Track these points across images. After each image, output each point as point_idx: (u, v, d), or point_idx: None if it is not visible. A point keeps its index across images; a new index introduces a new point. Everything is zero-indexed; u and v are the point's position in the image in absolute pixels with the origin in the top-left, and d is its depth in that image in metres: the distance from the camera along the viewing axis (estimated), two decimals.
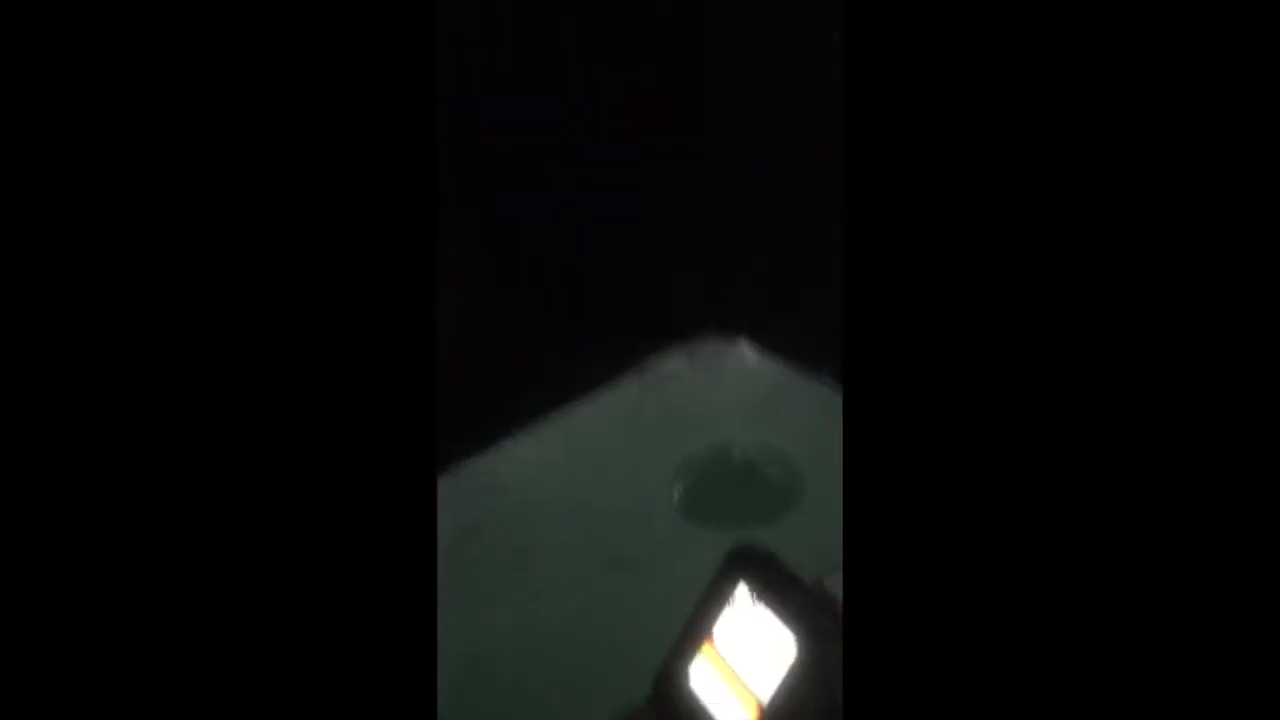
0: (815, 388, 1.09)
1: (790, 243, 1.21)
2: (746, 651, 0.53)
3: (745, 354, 1.19)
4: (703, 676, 0.54)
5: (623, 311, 1.23)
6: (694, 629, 0.56)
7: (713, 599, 0.56)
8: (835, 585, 0.66)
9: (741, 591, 0.55)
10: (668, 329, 1.22)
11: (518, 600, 0.87)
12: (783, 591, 0.53)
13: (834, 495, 0.97)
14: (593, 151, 1.27)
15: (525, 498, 1.00)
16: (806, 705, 0.50)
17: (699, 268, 1.23)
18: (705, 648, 0.55)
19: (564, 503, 1.00)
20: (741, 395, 1.12)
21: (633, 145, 1.27)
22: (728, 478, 1.03)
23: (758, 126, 1.24)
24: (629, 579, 0.89)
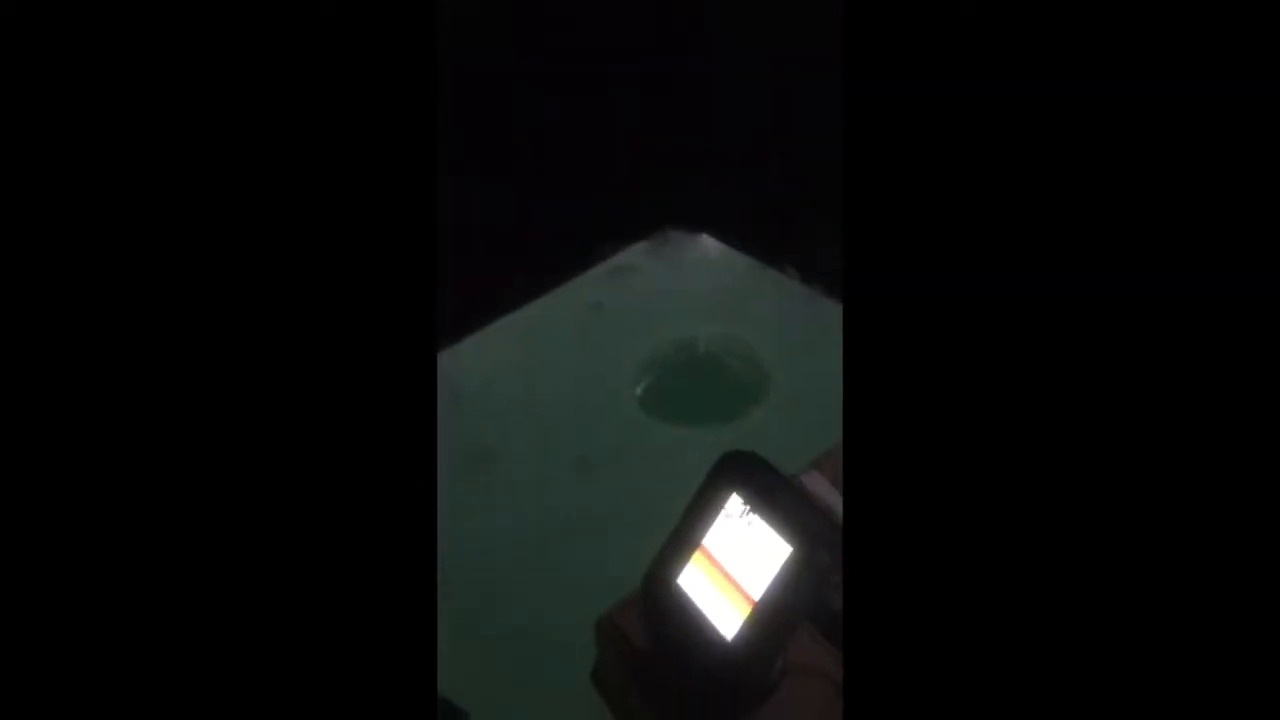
0: (780, 281, 1.08)
1: (756, 143, 1.17)
2: (739, 557, 0.53)
3: (709, 247, 1.16)
4: (694, 581, 0.55)
5: (584, 207, 1.19)
6: (684, 536, 0.56)
7: (703, 506, 0.56)
8: (814, 483, 0.67)
9: (733, 501, 0.54)
10: (631, 224, 1.18)
11: (484, 504, 0.86)
12: (774, 496, 0.53)
13: (798, 389, 0.98)
14: (555, 48, 1.19)
15: (486, 398, 0.98)
16: (796, 601, 0.51)
17: (663, 164, 1.18)
18: (696, 555, 0.55)
19: (526, 402, 0.99)
20: (705, 289, 1.11)
21: (599, 38, 1.20)
22: (692, 372, 1.03)
23: (733, 29, 1.18)
24: (596, 477, 0.89)
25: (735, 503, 0.54)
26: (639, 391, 1.00)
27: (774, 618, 0.51)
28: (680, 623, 0.54)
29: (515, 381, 1.02)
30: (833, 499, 0.65)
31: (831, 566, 0.50)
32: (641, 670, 0.58)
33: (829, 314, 1.01)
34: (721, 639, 0.52)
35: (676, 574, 0.56)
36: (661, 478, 0.88)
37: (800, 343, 1.00)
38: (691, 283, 1.12)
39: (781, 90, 1.18)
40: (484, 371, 1.02)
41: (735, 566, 0.53)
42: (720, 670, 0.52)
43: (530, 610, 0.75)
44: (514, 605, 0.76)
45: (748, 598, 0.52)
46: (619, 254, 1.15)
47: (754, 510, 0.53)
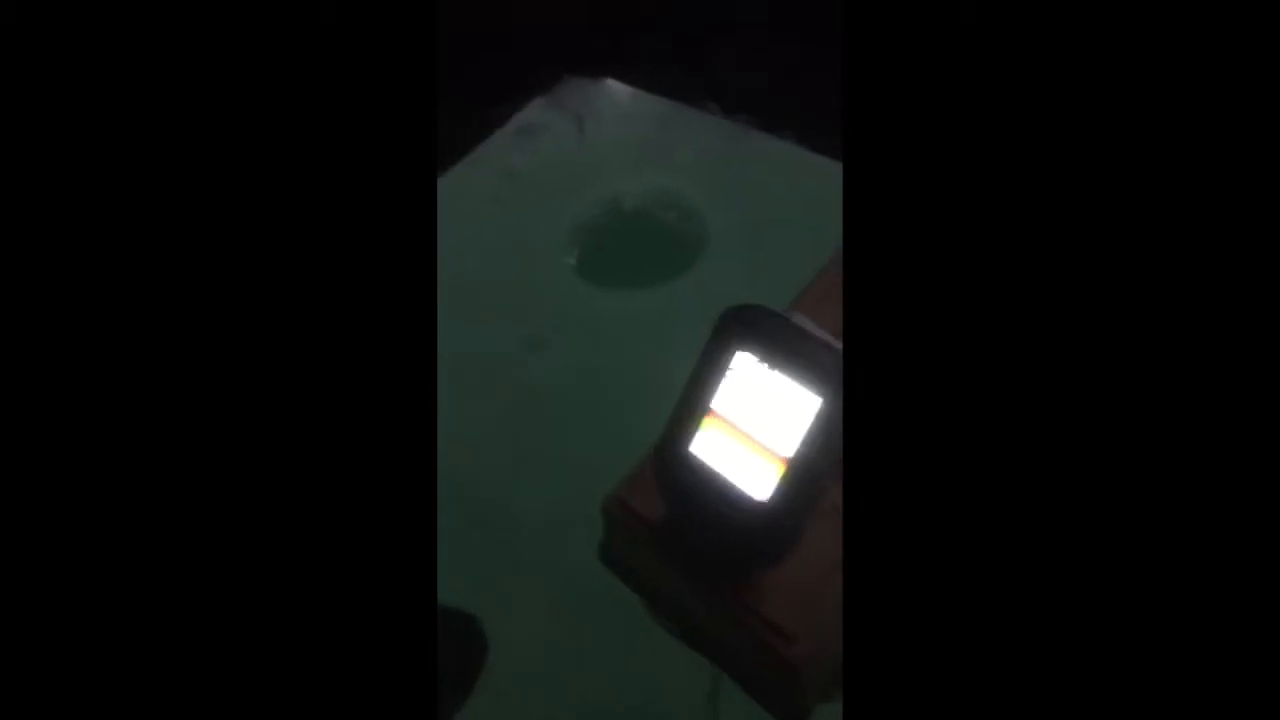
0: (701, 120, 1.01)
1: None
2: (759, 415, 0.50)
3: (616, 92, 1.07)
4: (711, 446, 0.51)
5: (465, 66, 1.07)
6: (691, 403, 0.52)
7: (708, 369, 0.52)
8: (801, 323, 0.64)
9: (742, 358, 0.50)
10: (526, 79, 1.07)
11: (441, 401, 0.79)
12: (791, 347, 0.49)
13: (744, 233, 0.94)
14: None
15: None
16: (829, 454, 0.48)
17: (538, 7, 1.06)
18: (708, 420, 0.52)
19: (456, 285, 0.91)
20: (620, 139, 1.02)
21: None
22: (624, 233, 0.96)
23: None
24: (549, 354, 0.83)
25: (746, 360, 0.50)
26: (573, 261, 0.94)
27: (809, 473, 0.48)
28: (705, 492, 0.51)
29: (440, 267, 0.93)
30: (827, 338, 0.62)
31: None
32: (660, 544, 0.56)
33: (762, 148, 0.96)
34: (755, 502, 0.49)
35: (688, 442, 0.52)
36: (618, 345, 0.84)
37: (735, 183, 0.95)
38: (604, 135, 1.04)
39: None
40: None
41: (757, 425, 0.50)
42: (760, 533, 0.49)
43: (518, 500, 0.71)
44: (498, 496, 0.72)
45: (778, 456, 0.49)
46: (519, 113, 1.05)
47: (772, 365, 0.49)
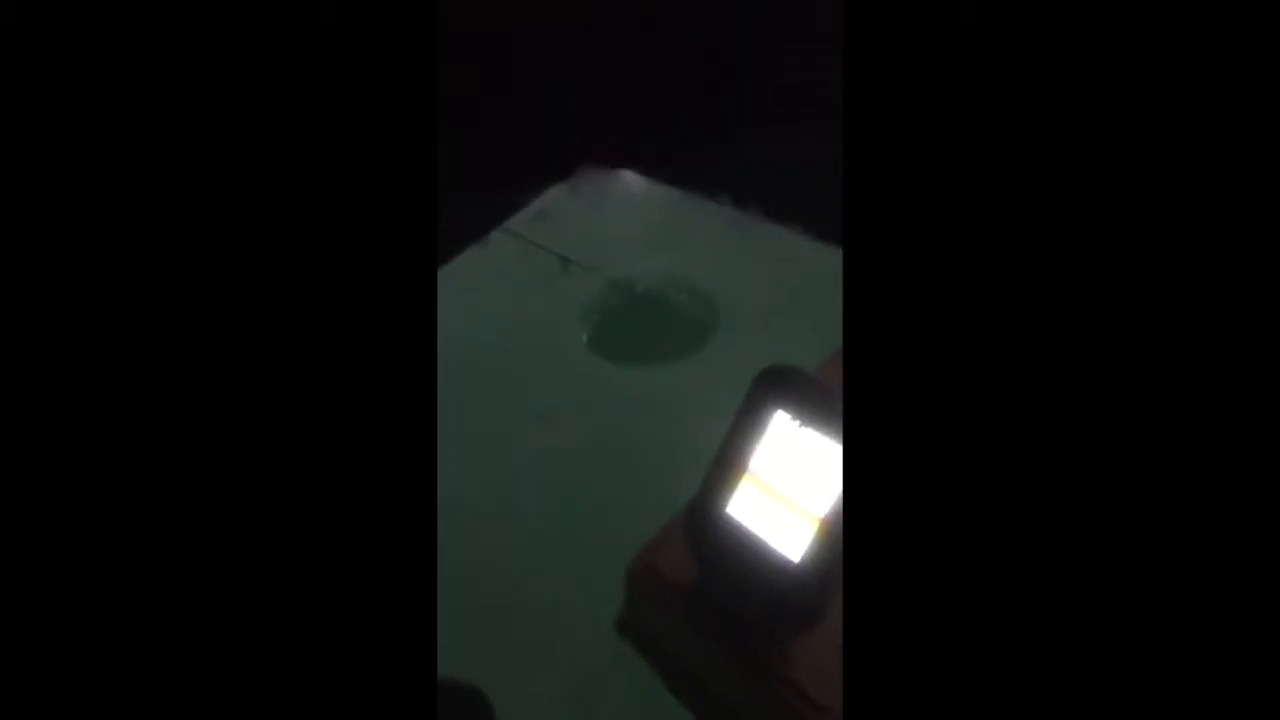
0: (714, 209, 1.04)
1: (662, 72, 1.12)
2: (793, 474, 0.50)
3: (631, 182, 1.11)
4: (747, 506, 0.51)
5: (488, 152, 1.10)
6: (728, 463, 0.52)
7: (746, 430, 0.52)
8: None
9: (779, 419, 0.51)
10: (541, 168, 1.11)
11: (448, 468, 0.79)
12: (824, 405, 0.50)
13: (753, 315, 0.96)
14: None
15: None
16: None
17: (566, 100, 1.11)
18: (746, 480, 0.52)
19: (470, 360, 0.91)
20: (634, 226, 1.05)
21: None
22: (636, 312, 0.98)
23: None
24: (564, 428, 0.83)
25: (782, 420, 0.51)
26: (585, 338, 0.95)
27: (841, 534, 0.48)
28: (738, 552, 0.51)
29: (456, 341, 0.93)
30: None
31: None
32: (688, 608, 0.54)
33: (769, 238, 0.99)
34: (788, 561, 0.49)
35: (725, 503, 0.52)
36: (629, 419, 0.84)
37: (743, 269, 0.97)
38: (619, 222, 1.07)
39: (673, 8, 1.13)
40: None
41: (791, 485, 0.50)
42: (791, 593, 0.49)
43: (534, 571, 0.70)
44: (513, 568, 0.70)
45: (811, 515, 0.49)
46: (539, 198, 1.08)
47: (806, 424, 0.50)
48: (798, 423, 0.50)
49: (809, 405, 0.50)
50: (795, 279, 0.94)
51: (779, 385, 0.51)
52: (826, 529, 0.48)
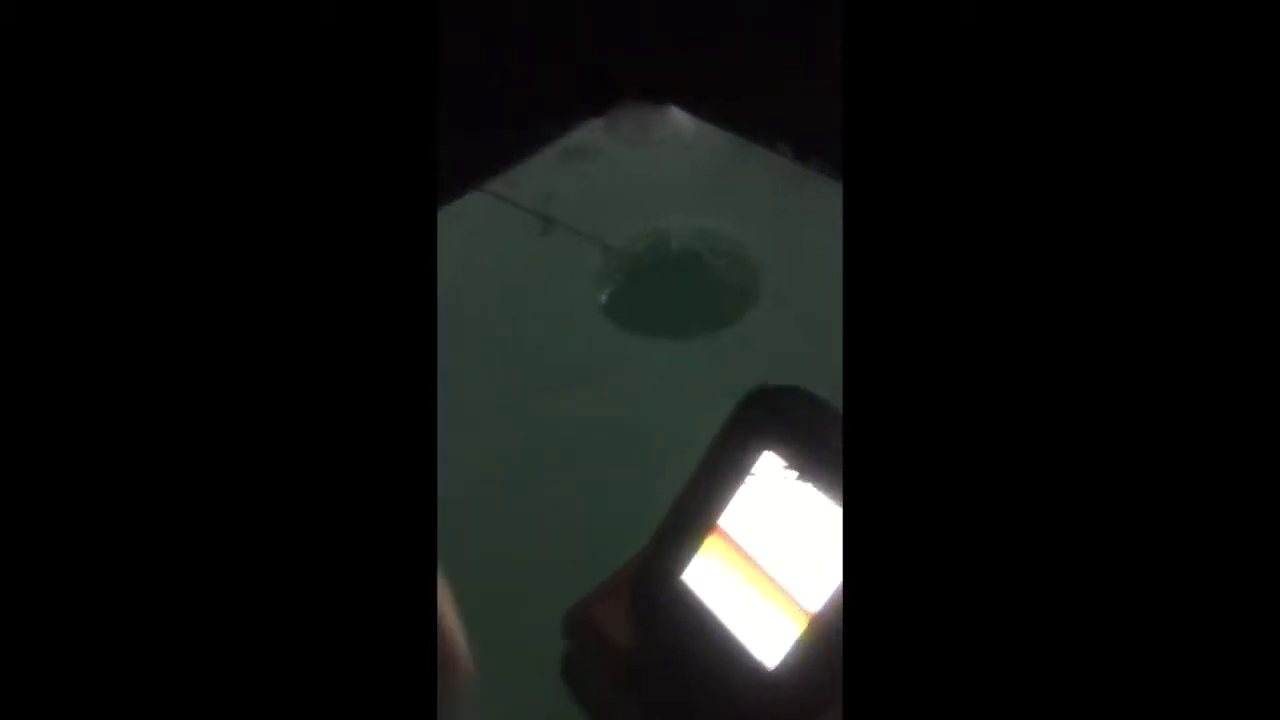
0: (768, 160, 0.87)
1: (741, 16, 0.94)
2: (780, 544, 0.35)
3: (679, 121, 0.94)
4: (710, 578, 0.37)
5: (521, 77, 0.95)
6: (690, 513, 0.38)
7: (718, 470, 0.37)
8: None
9: (766, 461, 0.36)
10: (581, 97, 0.95)
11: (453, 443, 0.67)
12: (833, 451, 0.34)
13: (798, 291, 0.80)
14: None
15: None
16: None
17: (615, 24, 0.95)
18: (712, 541, 0.37)
19: (472, 318, 0.78)
20: (677, 173, 0.89)
21: None
22: (666, 274, 0.83)
23: None
24: (564, 403, 0.70)
25: (770, 463, 0.36)
26: (603, 299, 0.80)
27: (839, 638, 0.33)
28: (694, 640, 0.36)
29: (459, 292, 0.80)
30: None
31: None
32: (630, 680, 0.41)
33: (831, 199, 0.81)
34: (760, 667, 0.34)
35: (681, 567, 0.37)
36: (639, 401, 0.70)
37: (798, 235, 0.81)
38: (660, 166, 0.91)
39: None
40: None
41: (776, 560, 0.35)
42: (760, 709, 0.34)
43: (509, 562, 0.57)
44: (496, 553, 0.58)
45: (799, 607, 0.34)
46: (570, 133, 0.93)
47: (804, 476, 0.35)
48: (793, 473, 0.35)
49: (813, 447, 0.35)
50: None
51: (772, 415, 0.36)
52: (818, 629, 0.33)
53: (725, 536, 0.37)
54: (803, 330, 0.73)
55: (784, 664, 0.34)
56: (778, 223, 0.83)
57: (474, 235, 0.87)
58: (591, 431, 0.68)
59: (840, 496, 0.33)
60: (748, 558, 0.36)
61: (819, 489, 0.34)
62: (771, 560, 0.35)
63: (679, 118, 0.93)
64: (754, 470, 0.36)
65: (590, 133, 0.93)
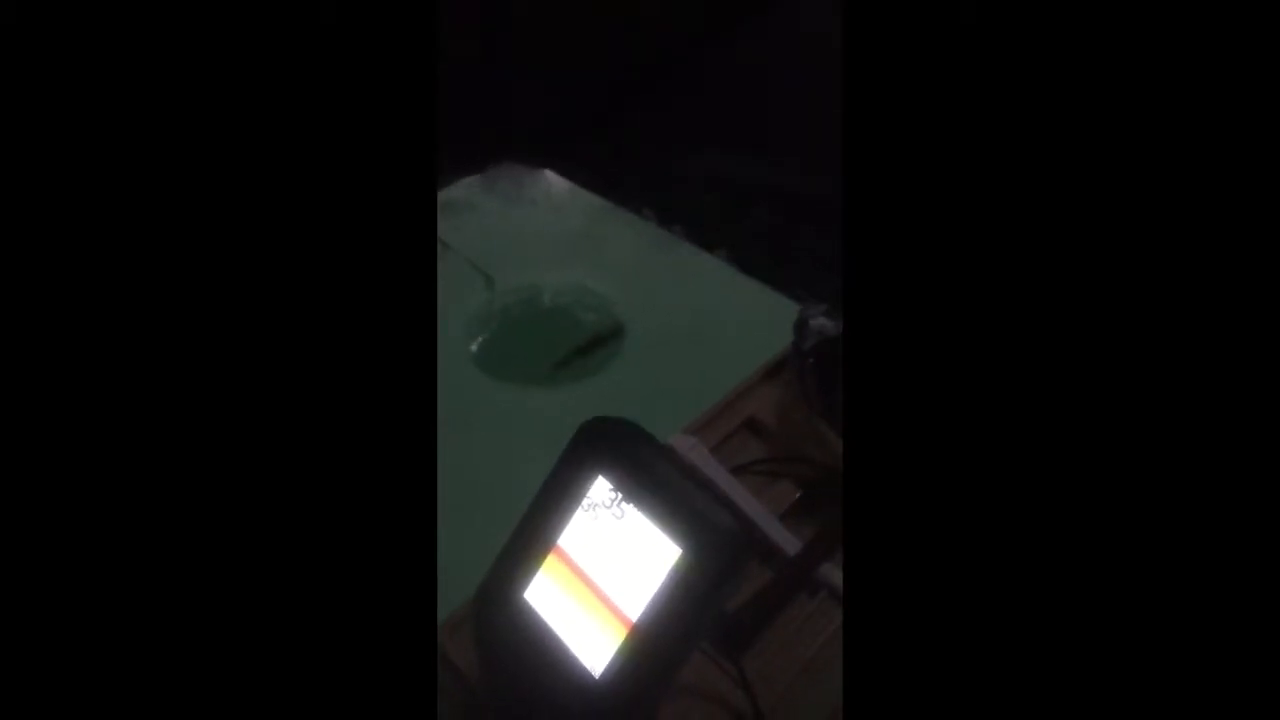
0: (634, 223, 0.92)
1: (602, 76, 1.00)
2: (608, 562, 0.38)
3: (553, 183, 0.99)
4: (547, 595, 0.39)
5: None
6: (531, 535, 0.40)
7: (557, 494, 0.40)
8: (685, 446, 0.53)
9: (599, 486, 0.39)
10: (461, 157, 0.98)
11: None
12: (655, 477, 0.37)
13: (657, 343, 0.84)
14: None
15: None
16: (689, 623, 0.36)
17: (497, 93, 0.99)
18: (550, 561, 0.39)
19: None
20: (550, 231, 0.93)
21: None
22: (536, 327, 0.86)
23: None
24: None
25: (602, 488, 0.39)
26: (474, 348, 0.82)
27: (658, 645, 0.35)
28: (530, 654, 0.38)
29: None
30: (713, 470, 0.51)
31: (735, 572, 0.36)
32: (469, 708, 0.42)
33: (689, 259, 0.87)
34: (588, 675, 0.36)
35: (522, 586, 0.39)
36: (504, 446, 0.72)
37: (660, 293, 0.85)
38: (534, 224, 0.94)
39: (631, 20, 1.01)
40: None
41: (604, 575, 0.37)
42: (587, 716, 0.36)
43: None
44: None
45: (622, 618, 0.36)
46: (449, 188, 0.95)
47: (628, 498, 0.37)
48: (618, 494, 0.38)
49: (635, 473, 0.38)
50: (712, 310, 0.82)
51: (602, 442, 0.39)
52: (638, 639, 0.36)
53: (562, 555, 0.39)
54: (658, 382, 0.77)
55: (608, 672, 0.36)
56: (640, 281, 0.87)
57: None
58: (460, 474, 0.69)
59: (661, 518, 0.36)
60: (580, 574, 0.38)
61: (640, 510, 0.37)
62: (601, 573, 0.38)
63: (553, 180, 0.98)
64: (587, 493, 0.39)
65: (468, 189, 0.96)
